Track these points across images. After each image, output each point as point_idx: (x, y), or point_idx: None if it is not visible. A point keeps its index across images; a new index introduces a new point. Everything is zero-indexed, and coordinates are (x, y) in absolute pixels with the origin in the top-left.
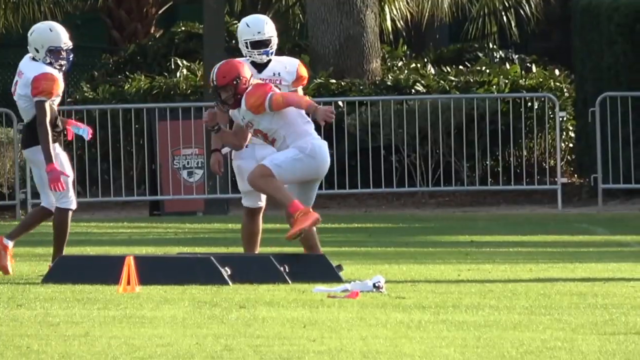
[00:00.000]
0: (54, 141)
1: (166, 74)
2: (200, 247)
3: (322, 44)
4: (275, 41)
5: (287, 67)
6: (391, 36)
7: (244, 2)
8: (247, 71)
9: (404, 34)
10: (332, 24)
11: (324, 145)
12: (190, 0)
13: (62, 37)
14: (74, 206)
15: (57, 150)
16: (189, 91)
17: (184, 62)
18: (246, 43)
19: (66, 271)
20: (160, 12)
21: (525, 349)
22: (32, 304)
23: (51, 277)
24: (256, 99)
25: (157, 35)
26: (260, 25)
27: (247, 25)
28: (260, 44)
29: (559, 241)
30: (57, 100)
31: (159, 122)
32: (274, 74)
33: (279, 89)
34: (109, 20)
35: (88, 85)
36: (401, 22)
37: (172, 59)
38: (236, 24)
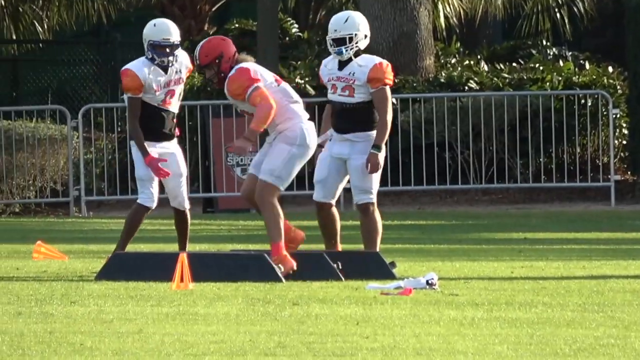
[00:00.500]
0: (161, 139)
1: None
2: (253, 244)
3: (376, 40)
4: (357, 39)
5: (363, 66)
6: (444, 33)
7: None
8: (230, 49)
9: (457, 31)
10: (385, 21)
11: (311, 127)
12: None
13: (164, 32)
14: (150, 204)
15: (171, 149)
16: None
17: None
18: (327, 40)
19: (120, 268)
20: (213, 9)
21: (578, 347)
22: (85, 300)
23: (105, 274)
24: (237, 88)
25: (211, 33)
26: (337, 24)
27: (330, 23)
28: (336, 42)
29: (612, 238)
30: (156, 97)
31: (212, 119)
32: (350, 73)
33: (353, 88)
34: (163, 17)
35: None
36: (454, 19)
37: None
38: (290, 20)
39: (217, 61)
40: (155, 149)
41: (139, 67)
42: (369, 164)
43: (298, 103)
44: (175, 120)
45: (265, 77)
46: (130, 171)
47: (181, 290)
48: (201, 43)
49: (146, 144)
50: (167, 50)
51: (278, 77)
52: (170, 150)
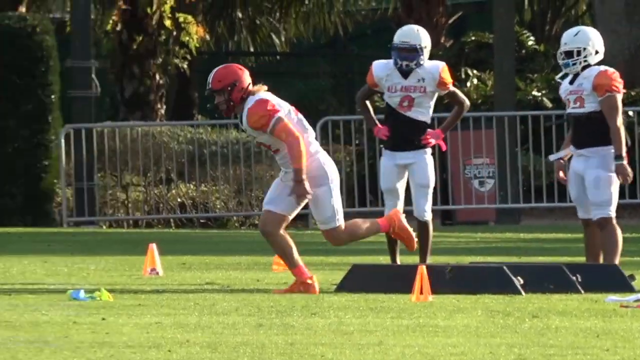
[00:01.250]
0: (397, 149)
1: (456, 83)
2: (492, 256)
3: (612, 53)
4: (586, 54)
5: (588, 76)
6: None
7: (534, 12)
8: (245, 79)
9: None
10: (621, 34)
11: (325, 157)
12: (480, 10)
13: (403, 35)
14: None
15: (411, 159)
16: (480, 101)
17: (474, 71)
18: (558, 54)
19: (359, 280)
20: (450, 21)
21: None
22: (325, 312)
23: (344, 286)
24: (257, 120)
25: (447, 45)
26: (568, 37)
27: (562, 37)
28: (566, 54)
29: None
30: (391, 99)
31: (450, 131)
32: (578, 85)
33: (583, 99)
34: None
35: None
36: None
37: (463, 69)
38: (526, 33)
39: (229, 89)
40: (391, 160)
41: (381, 66)
42: (619, 175)
43: (310, 132)
44: (428, 130)
45: (282, 106)
46: (369, 183)
47: (420, 302)
48: (217, 68)
49: (383, 151)
50: (406, 53)
51: (294, 108)
52: (409, 162)
